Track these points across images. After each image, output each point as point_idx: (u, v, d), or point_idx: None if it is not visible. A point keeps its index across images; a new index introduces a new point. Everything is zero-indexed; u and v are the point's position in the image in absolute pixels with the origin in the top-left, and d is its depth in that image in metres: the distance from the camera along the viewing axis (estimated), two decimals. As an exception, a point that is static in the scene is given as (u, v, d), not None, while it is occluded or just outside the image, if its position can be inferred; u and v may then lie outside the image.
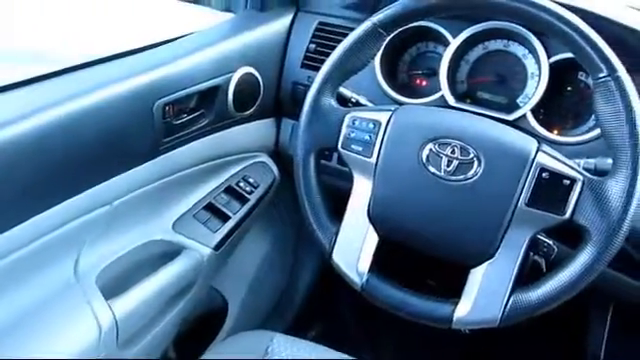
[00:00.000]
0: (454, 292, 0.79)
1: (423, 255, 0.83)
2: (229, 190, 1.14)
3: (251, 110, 1.11)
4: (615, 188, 0.70)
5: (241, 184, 1.15)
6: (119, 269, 0.97)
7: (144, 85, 0.92)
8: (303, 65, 1.13)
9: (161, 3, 1.49)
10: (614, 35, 0.82)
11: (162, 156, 1.00)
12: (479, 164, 0.75)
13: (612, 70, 0.70)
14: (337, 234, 0.83)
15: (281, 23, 1.15)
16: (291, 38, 1.15)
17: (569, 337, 1.28)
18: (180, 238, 1.06)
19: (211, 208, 1.11)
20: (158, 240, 1.04)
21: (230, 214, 1.12)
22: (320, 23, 1.13)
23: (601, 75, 0.71)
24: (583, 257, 0.71)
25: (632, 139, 0.69)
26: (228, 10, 1.23)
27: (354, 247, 0.83)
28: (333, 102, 0.85)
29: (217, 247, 1.09)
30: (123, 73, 0.91)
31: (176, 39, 1.07)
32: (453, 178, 0.76)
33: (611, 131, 0.71)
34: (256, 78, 1.10)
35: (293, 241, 1.51)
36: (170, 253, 1.04)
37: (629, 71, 0.72)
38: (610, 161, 0.73)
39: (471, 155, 0.76)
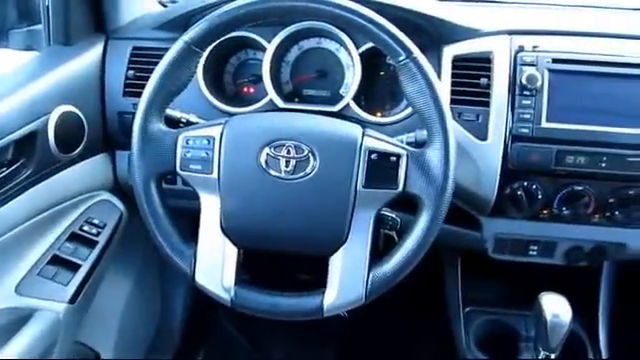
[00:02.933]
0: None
1: (287, 254, 0.86)
2: (74, 237, 1.07)
3: (79, 149, 1.05)
4: (434, 156, 0.78)
5: (85, 228, 1.08)
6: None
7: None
8: (125, 93, 1.08)
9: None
10: (404, 20, 0.92)
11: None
12: (315, 159, 0.79)
13: (409, 52, 0.78)
14: (195, 255, 0.82)
15: (92, 54, 1.09)
16: (107, 68, 1.10)
17: (431, 292, 1.41)
18: (27, 301, 0.97)
19: (57, 260, 1.03)
20: (2, 309, 0.94)
21: (80, 262, 1.05)
22: (134, 48, 1.09)
23: (401, 58, 0.79)
24: (421, 222, 0.79)
25: (438, 111, 0.78)
26: (29, 48, 1.14)
27: (215, 264, 0.82)
28: (162, 126, 0.83)
29: (73, 300, 1.01)
30: None
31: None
32: (294, 177, 0.79)
33: (420, 106, 0.79)
34: (77, 115, 1.03)
35: (158, 272, 1.46)
36: (18, 320, 0.94)
37: (422, 50, 0.80)
38: (426, 132, 0.82)
39: (305, 152, 0.79)
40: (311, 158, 0.79)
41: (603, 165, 0.95)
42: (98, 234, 1.09)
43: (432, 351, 1.47)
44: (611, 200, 0.99)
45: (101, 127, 1.11)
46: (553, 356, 0.97)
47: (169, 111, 0.90)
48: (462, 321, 1.29)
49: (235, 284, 0.82)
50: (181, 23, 1.05)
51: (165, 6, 1.22)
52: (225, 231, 0.82)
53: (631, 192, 0.98)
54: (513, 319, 1.28)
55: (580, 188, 0.99)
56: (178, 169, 0.82)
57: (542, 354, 0.98)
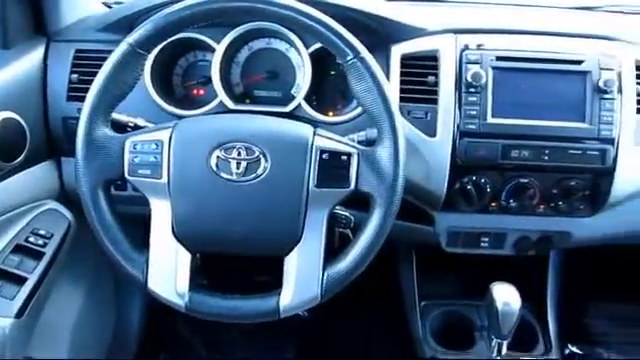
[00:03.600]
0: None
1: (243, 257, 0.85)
2: (19, 249, 1.03)
3: (21, 157, 1.01)
4: (384, 154, 0.79)
5: (31, 239, 1.04)
6: None
7: None
8: (69, 98, 1.05)
9: None
10: (352, 19, 0.92)
11: None
12: (266, 160, 0.79)
13: (356, 52, 0.79)
14: (148, 262, 0.81)
15: (32, 57, 1.05)
16: (48, 72, 1.06)
17: (388, 288, 1.43)
18: None
19: (1, 274, 0.99)
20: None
21: (26, 275, 1.00)
22: (77, 51, 1.06)
23: (348, 58, 0.79)
24: (373, 219, 0.80)
25: (387, 109, 0.79)
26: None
27: (168, 270, 0.81)
28: (108, 131, 0.81)
29: (19, 314, 0.97)
30: None
31: None
32: (245, 179, 0.79)
33: (369, 105, 0.80)
34: (17, 122, 0.99)
35: (111, 281, 1.42)
36: None
37: (371, 50, 0.81)
38: (376, 131, 0.83)
39: (257, 153, 0.79)
40: (262, 159, 0.79)
41: (546, 158, 0.98)
42: (45, 245, 1.05)
43: (390, 345, 1.49)
44: (555, 191, 1.03)
45: (45, 133, 1.07)
46: (505, 343, 1.00)
47: (115, 115, 0.87)
48: (418, 314, 1.32)
49: (189, 289, 0.81)
50: (126, 25, 1.03)
51: (109, 7, 1.19)
52: (177, 236, 0.81)
53: (573, 183, 1.02)
54: (467, 310, 1.32)
55: (526, 181, 1.02)
56: (126, 175, 0.80)
57: (495, 342, 1.01)
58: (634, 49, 1.03)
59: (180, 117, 0.97)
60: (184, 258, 0.81)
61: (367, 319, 1.56)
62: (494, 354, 1.02)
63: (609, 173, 1.00)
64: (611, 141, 0.98)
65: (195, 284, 0.82)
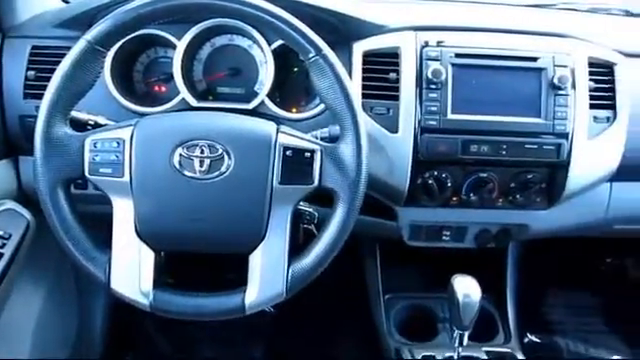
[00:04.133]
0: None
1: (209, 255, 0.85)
2: None
3: (-23, 156, 0.98)
4: (347, 150, 0.80)
5: None
6: None
7: None
8: (26, 95, 1.02)
9: None
10: (313, 17, 0.93)
11: None
12: (229, 157, 0.79)
13: (318, 49, 0.80)
14: (110, 261, 0.80)
15: (-14, 54, 1.02)
16: (4, 69, 1.03)
17: (352, 282, 1.45)
18: None
19: None
20: None
21: None
22: (34, 47, 1.04)
23: (310, 55, 0.80)
24: (337, 215, 0.81)
25: (349, 106, 0.80)
26: None
27: (132, 269, 0.80)
28: (67, 129, 0.80)
29: (-23, 317, 0.95)
30: None
31: None
32: (209, 176, 0.79)
33: (331, 102, 0.81)
34: (-28, 120, 0.97)
35: (73, 282, 1.40)
36: None
37: (332, 47, 0.82)
38: (339, 127, 0.84)
39: (220, 151, 0.79)
40: (225, 157, 0.79)
41: (504, 153, 1.01)
42: (3, 246, 1.02)
43: (356, 338, 1.51)
44: (513, 185, 1.06)
45: (1, 132, 1.04)
46: (466, 334, 1.03)
47: (75, 113, 0.86)
48: (382, 308, 1.34)
49: (154, 288, 0.81)
50: (84, 21, 1.01)
51: (67, 2, 1.16)
52: (140, 235, 0.80)
53: (530, 177, 1.05)
54: (430, 302, 1.35)
55: (485, 175, 1.05)
56: (87, 174, 0.79)
57: (456, 332, 1.03)
58: (587, 46, 1.06)
59: (142, 115, 0.96)
60: (147, 257, 0.81)
61: (333, 314, 1.58)
62: (456, 344, 1.05)
63: (564, 167, 1.03)
64: (565, 135, 1.01)
65: (160, 283, 0.82)
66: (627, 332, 1.69)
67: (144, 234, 0.80)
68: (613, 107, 1.05)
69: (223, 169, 0.79)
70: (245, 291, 0.81)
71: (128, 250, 0.80)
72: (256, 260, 0.81)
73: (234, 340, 1.52)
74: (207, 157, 0.79)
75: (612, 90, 1.05)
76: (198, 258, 0.91)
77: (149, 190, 0.79)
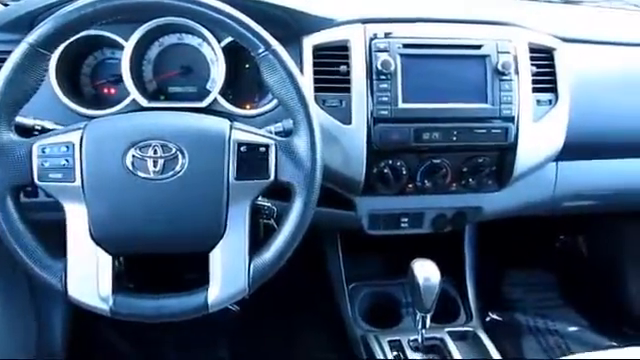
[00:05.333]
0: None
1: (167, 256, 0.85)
2: None
3: None
4: (301, 143, 0.81)
5: None
6: None
7: None
8: None
9: None
10: (263, 13, 0.93)
11: None
12: (183, 156, 0.79)
13: (267, 45, 0.80)
14: (66, 268, 0.78)
15: None
16: None
17: (316, 274, 1.46)
18: None
19: None
20: None
21: None
22: None
23: (260, 51, 0.80)
24: (295, 208, 0.82)
25: (301, 99, 0.81)
26: None
27: (89, 275, 0.79)
28: (13, 136, 0.77)
29: None
30: None
31: None
32: (163, 177, 0.78)
33: (283, 97, 0.82)
34: None
35: (28, 292, 1.36)
36: None
37: (282, 42, 0.83)
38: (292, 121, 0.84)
39: (173, 150, 0.79)
40: (180, 156, 0.79)
41: (455, 138, 1.04)
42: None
43: (323, 329, 1.53)
44: (465, 169, 1.09)
45: None
46: (429, 316, 1.06)
47: (20, 119, 0.84)
48: (347, 297, 1.36)
49: (113, 292, 0.80)
50: (25, 23, 0.98)
51: (5, 5, 1.13)
52: (96, 240, 0.79)
53: (480, 160, 1.09)
54: (393, 288, 1.38)
55: (438, 161, 1.08)
56: (36, 180, 0.77)
57: (419, 315, 1.06)
58: (527, 33, 1.10)
59: (91, 118, 0.94)
60: (105, 261, 0.80)
61: (298, 306, 1.59)
62: (419, 327, 1.08)
63: (512, 149, 1.07)
64: (512, 119, 1.05)
65: (120, 287, 0.81)
66: (582, 305, 1.77)
67: (100, 239, 0.79)
68: (554, 90, 1.10)
69: (178, 168, 0.79)
70: (207, 289, 0.81)
71: (84, 256, 0.79)
72: (216, 258, 0.81)
73: (198, 341, 1.51)
74: (161, 157, 0.78)
75: (553, 74, 1.10)
76: (158, 260, 0.90)
77: (102, 194, 0.78)
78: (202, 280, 0.83)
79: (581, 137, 1.13)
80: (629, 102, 1.18)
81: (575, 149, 1.14)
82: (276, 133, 0.90)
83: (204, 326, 1.32)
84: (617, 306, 1.71)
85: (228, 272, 0.81)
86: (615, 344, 1.59)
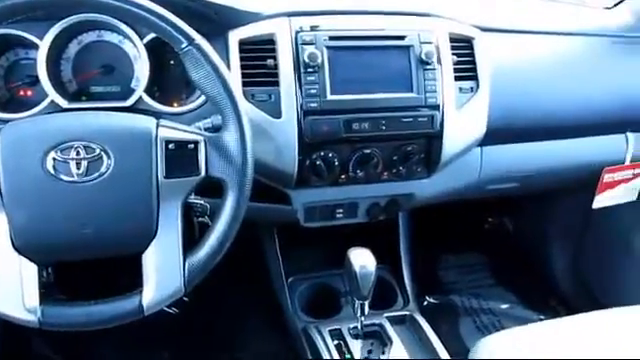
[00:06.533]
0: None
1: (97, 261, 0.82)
2: None
3: None
4: (230, 138, 0.81)
5: None
6: None
7: None
8: None
9: None
10: (186, 8, 0.92)
11: None
12: (108, 157, 0.76)
13: (190, 39, 0.79)
14: None
15: None
16: None
17: (255, 270, 1.46)
18: None
19: None
20: None
21: None
22: None
23: (183, 46, 0.79)
24: (227, 204, 0.81)
25: (227, 93, 0.81)
26: None
27: (12, 287, 0.75)
28: None
29: None
30: None
31: None
32: (88, 178, 0.76)
33: (209, 92, 0.81)
34: None
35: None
36: None
37: (207, 37, 0.82)
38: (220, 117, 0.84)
39: (97, 151, 0.76)
40: (104, 156, 0.76)
41: (384, 128, 1.07)
42: None
43: (265, 324, 1.53)
44: (395, 158, 1.12)
45: None
46: (367, 303, 1.08)
47: None
48: (287, 291, 1.37)
49: (41, 303, 0.76)
50: None
51: None
52: (19, 249, 0.75)
53: (409, 148, 1.12)
54: (332, 279, 1.39)
55: (369, 151, 1.10)
56: None
57: (357, 303, 1.08)
58: (447, 23, 1.14)
59: (6, 122, 0.90)
60: (30, 271, 0.76)
61: (238, 303, 1.58)
62: (358, 314, 1.10)
63: (438, 136, 1.11)
64: (437, 107, 1.08)
65: (48, 297, 0.77)
66: (512, 283, 1.86)
67: (23, 248, 0.75)
68: (475, 78, 1.14)
69: (103, 169, 0.76)
70: (141, 292, 0.79)
71: (6, 267, 0.75)
72: (150, 259, 0.79)
73: (139, 348, 1.47)
74: (84, 159, 0.75)
75: (473, 62, 1.14)
76: (91, 266, 0.87)
77: (23, 200, 0.75)
78: (136, 284, 0.81)
79: (502, 122, 1.19)
80: (545, 88, 1.25)
81: (497, 134, 1.20)
82: (205, 129, 0.88)
83: (144, 332, 1.28)
84: (544, 281, 1.82)
85: (162, 273, 0.79)
86: (543, 317, 1.68)
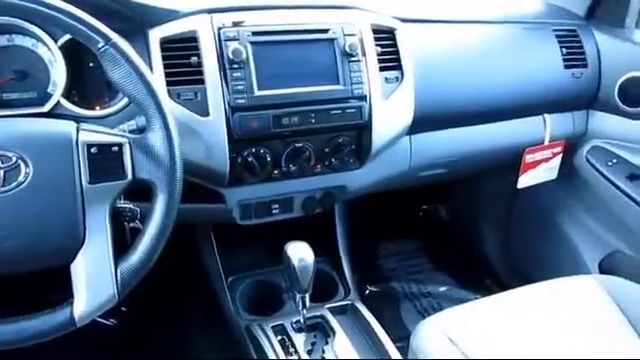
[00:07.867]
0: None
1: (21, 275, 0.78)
2: None
3: None
4: (156, 138, 0.79)
5: None
6: None
7: None
8: None
9: None
10: (101, 7, 0.89)
11: None
12: (26, 165, 0.73)
13: (106, 39, 0.77)
14: None
15: None
16: None
17: (193, 271, 1.44)
18: None
19: None
20: None
21: None
22: None
23: (99, 46, 0.77)
24: (158, 206, 0.79)
25: (149, 92, 0.79)
26: None
27: None
28: None
29: None
30: None
31: None
32: (5, 189, 0.72)
33: (131, 92, 0.79)
34: None
35: None
36: None
37: (126, 36, 0.79)
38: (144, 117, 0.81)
39: (14, 159, 0.73)
40: (22, 165, 0.73)
41: (313, 121, 1.07)
42: None
43: (209, 326, 1.50)
44: (326, 150, 1.13)
45: None
46: (307, 295, 1.09)
47: None
48: (227, 290, 1.35)
49: None
50: None
51: None
52: None
53: (340, 140, 1.13)
54: (273, 275, 1.39)
55: (300, 145, 1.11)
56: None
57: (298, 297, 1.08)
58: (370, 15, 1.16)
59: None
60: None
61: (180, 308, 1.55)
62: (300, 308, 1.10)
63: (367, 127, 1.13)
64: (364, 98, 1.10)
65: None
66: (449, 266, 1.92)
67: None
68: (400, 68, 1.17)
69: (21, 179, 0.73)
70: (72, 303, 0.76)
71: None
72: (79, 268, 0.76)
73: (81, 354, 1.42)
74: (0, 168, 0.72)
75: (396, 53, 1.17)
76: (15, 281, 0.83)
77: None
78: (70, 295, 0.77)
79: (428, 110, 1.22)
80: (466, 75, 1.30)
81: (424, 121, 1.23)
82: (130, 131, 0.86)
83: (83, 346, 1.23)
84: (478, 262, 1.89)
85: (93, 281, 0.76)
86: (479, 296, 1.75)
